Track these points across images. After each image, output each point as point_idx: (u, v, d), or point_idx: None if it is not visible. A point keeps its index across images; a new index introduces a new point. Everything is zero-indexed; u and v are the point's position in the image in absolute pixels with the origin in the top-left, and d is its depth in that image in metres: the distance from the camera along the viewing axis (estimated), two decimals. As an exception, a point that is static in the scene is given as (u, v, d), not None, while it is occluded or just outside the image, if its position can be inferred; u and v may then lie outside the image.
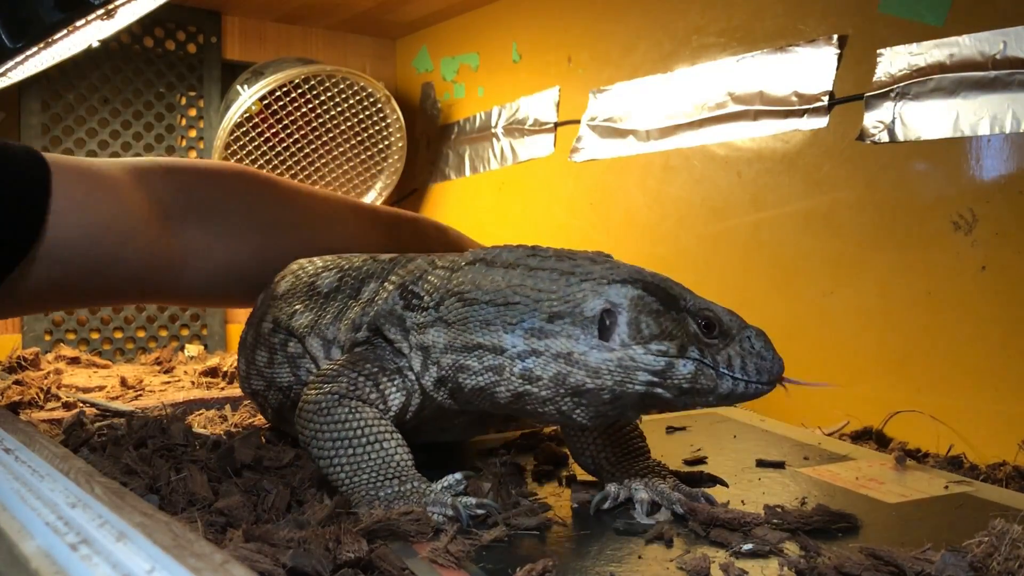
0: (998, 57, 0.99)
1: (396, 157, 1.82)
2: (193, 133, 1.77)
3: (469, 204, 1.84)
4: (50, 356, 1.50)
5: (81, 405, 1.14)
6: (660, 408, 0.72)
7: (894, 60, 1.09)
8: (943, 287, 1.05)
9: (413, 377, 0.77)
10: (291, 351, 0.89)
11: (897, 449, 1.00)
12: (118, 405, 1.15)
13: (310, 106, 1.71)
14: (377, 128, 1.79)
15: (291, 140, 1.72)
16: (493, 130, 1.76)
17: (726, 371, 0.67)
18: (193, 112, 1.77)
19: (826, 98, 1.16)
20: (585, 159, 1.54)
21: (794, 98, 1.20)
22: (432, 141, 1.93)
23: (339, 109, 1.73)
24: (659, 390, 0.67)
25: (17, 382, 1.25)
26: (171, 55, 1.74)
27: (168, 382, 1.36)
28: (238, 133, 1.65)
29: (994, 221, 1.01)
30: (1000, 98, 0.99)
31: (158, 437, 0.91)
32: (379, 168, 1.84)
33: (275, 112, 1.68)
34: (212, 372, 1.37)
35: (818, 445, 1.00)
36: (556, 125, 1.61)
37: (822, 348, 1.17)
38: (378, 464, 0.72)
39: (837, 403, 1.14)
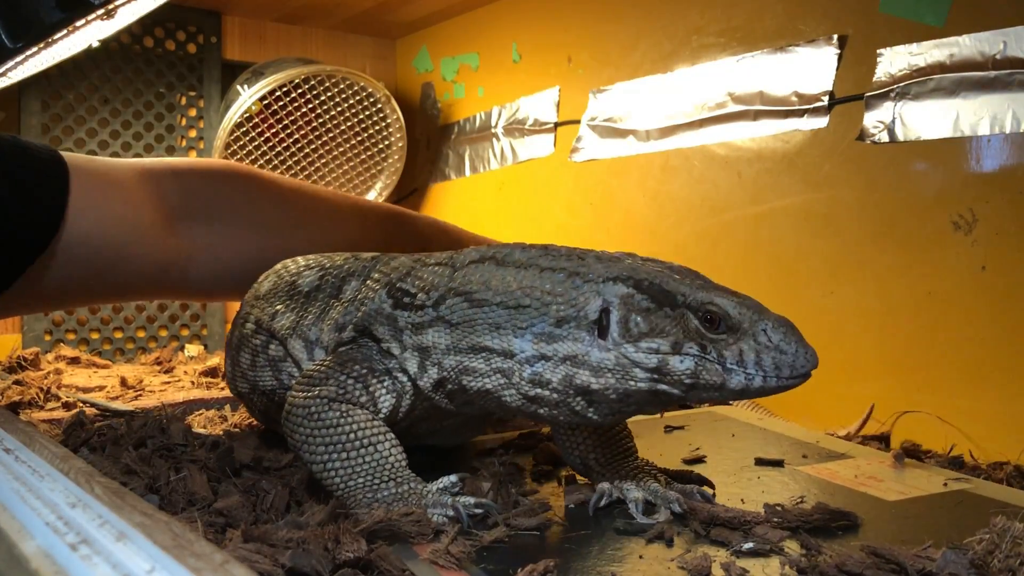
0: (998, 57, 0.99)
1: (396, 157, 1.82)
2: (193, 133, 1.77)
3: (469, 204, 1.84)
4: (50, 356, 1.50)
5: (81, 405, 1.14)
6: (677, 402, 0.71)
7: (894, 60, 1.09)
8: (943, 287, 1.05)
9: (405, 379, 0.75)
10: (272, 354, 0.88)
11: (899, 447, 1.00)
12: (118, 405, 1.15)
13: (310, 106, 1.71)
14: (377, 128, 1.79)
15: (291, 140, 1.72)
16: (493, 130, 1.76)
17: (735, 366, 0.65)
18: (193, 112, 1.77)
19: (826, 98, 1.16)
20: (585, 159, 1.54)
21: (794, 98, 1.20)
22: (432, 141, 1.93)
23: (339, 109, 1.73)
24: (663, 387, 0.66)
25: (17, 382, 1.25)
26: (171, 55, 1.74)
27: (168, 382, 1.36)
28: (238, 133, 1.65)
29: (994, 221, 1.01)
30: (1000, 98, 0.99)
31: (157, 437, 0.91)
32: (379, 168, 1.84)
33: (275, 112, 1.68)
34: (212, 372, 1.37)
35: (816, 443, 1.00)
36: (556, 125, 1.61)
37: (822, 348, 1.16)
38: (373, 467, 0.71)
39: (837, 402, 1.14)
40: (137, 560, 0.44)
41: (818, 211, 1.19)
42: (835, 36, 1.16)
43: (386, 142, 1.81)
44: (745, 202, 1.28)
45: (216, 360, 1.46)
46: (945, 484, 0.84)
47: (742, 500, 0.77)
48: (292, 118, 1.71)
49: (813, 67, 1.18)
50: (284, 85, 1.64)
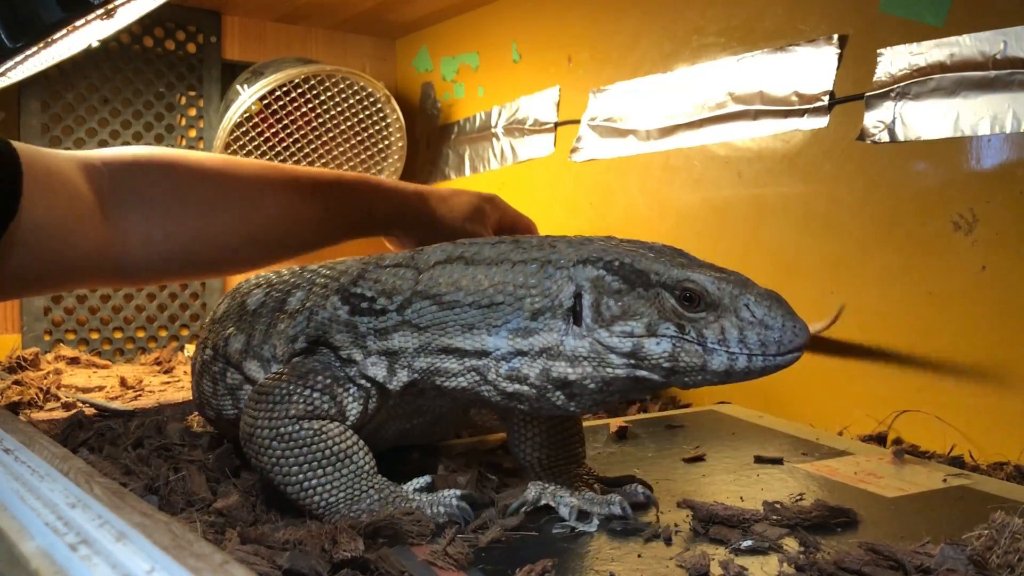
0: (998, 57, 0.99)
1: (396, 157, 1.82)
2: (193, 133, 1.77)
3: (469, 204, 1.84)
4: (50, 356, 1.50)
5: (80, 405, 1.14)
6: (659, 388, 0.69)
7: (894, 60, 1.09)
8: (943, 287, 1.05)
9: (368, 384, 0.73)
10: (230, 382, 0.84)
11: (900, 446, 1.00)
12: (117, 405, 1.15)
13: (310, 106, 1.71)
14: (377, 128, 1.79)
15: (291, 140, 1.72)
16: (493, 130, 1.76)
17: (716, 345, 0.61)
18: (193, 112, 1.77)
19: (826, 98, 1.16)
20: (585, 159, 1.54)
21: (794, 98, 1.20)
22: (432, 141, 1.93)
23: (339, 109, 1.73)
24: (642, 372, 0.63)
25: (17, 382, 1.25)
26: (171, 55, 1.74)
27: (168, 382, 1.36)
28: (238, 133, 1.65)
29: (994, 221, 1.01)
30: (1000, 98, 0.99)
31: (156, 437, 0.91)
32: (379, 168, 1.84)
33: (275, 112, 1.68)
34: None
35: (816, 441, 1.00)
36: (556, 125, 1.61)
37: (822, 348, 1.17)
38: (351, 479, 0.70)
39: (837, 401, 1.14)
40: (137, 560, 0.44)
41: (818, 211, 1.19)
42: (835, 36, 1.16)
43: (386, 142, 1.81)
44: (745, 202, 1.28)
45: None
46: (945, 480, 0.84)
47: (741, 498, 0.77)
48: (292, 118, 1.71)
49: (813, 67, 1.18)
50: (284, 85, 1.64)
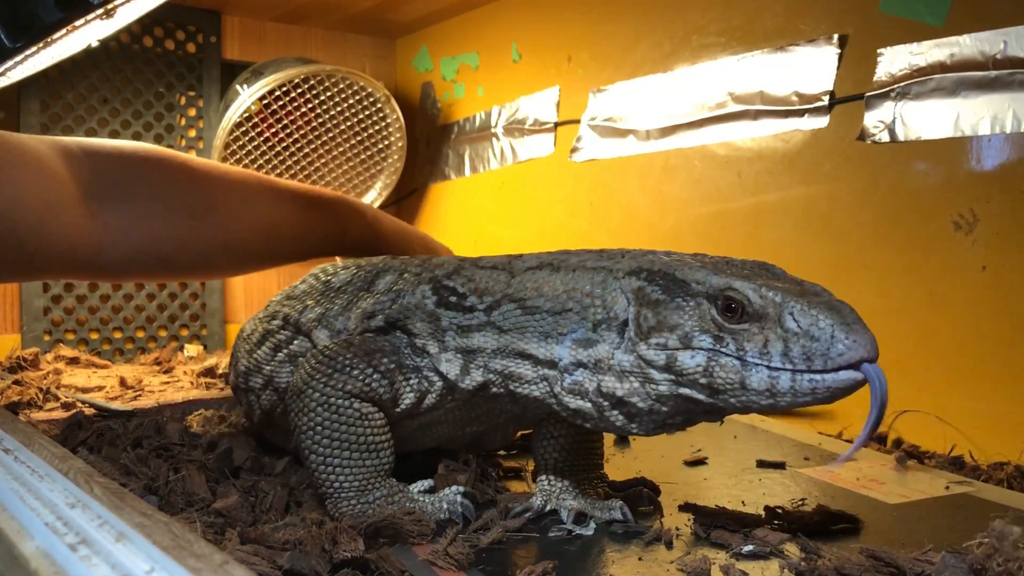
0: (998, 57, 0.99)
1: (396, 157, 1.82)
2: (192, 133, 1.77)
3: (469, 204, 1.84)
4: (49, 356, 1.50)
5: (80, 405, 1.14)
6: (716, 410, 0.61)
7: (894, 60, 1.09)
8: (943, 287, 1.05)
9: (435, 378, 0.73)
10: (295, 349, 0.84)
11: (899, 450, 1.00)
12: (117, 405, 1.15)
13: (310, 106, 1.70)
14: (377, 128, 1.79)
15: (291, 140, 1.72)
16: (493, 130, 1.76)
17: (757, 359, 0.56)
18: (192, 112, 1.77)
19: (826, 98, 1.16)
20: (585, 159, 1.53)
21: (794, 98, 1.20)
22: (432, 141, 1.93)
23: (339, 109, 1.73)
24: (685, 389, 0.60)
25: (17, 382, 1.25)
26: (170, 55, 1.74)
27: (167, 382, 1.36)
28: (237, 133, 1.64)
29: (995, 221, 1.00)
30: (1001, 98, 0.99)
31: (155, 437, 0.91)
32: (379, 168, 1.83)
33: (275, 112, 1.68)
34: (211, 372, 1.37)
35: (818, 445, 0.99)
36: (556, 125, 1.61)
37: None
38: (371, 471, 0.71)
39: (836, 403, 1.13)
40: (136, 560, 0.44)
41: (818, 211, 1.19)
42: (835, 36, 1.16)
43: (386, 142, 1.81)
44: (745, 202, 1.28)
45: (215, 360, 1.45)
46: (947, 487, 0.84)
47: (743, 502, 0.77)
48: (292, 118, 1.71)
49: (813, 67, 1.18)
50: (284, 85, 1.63)
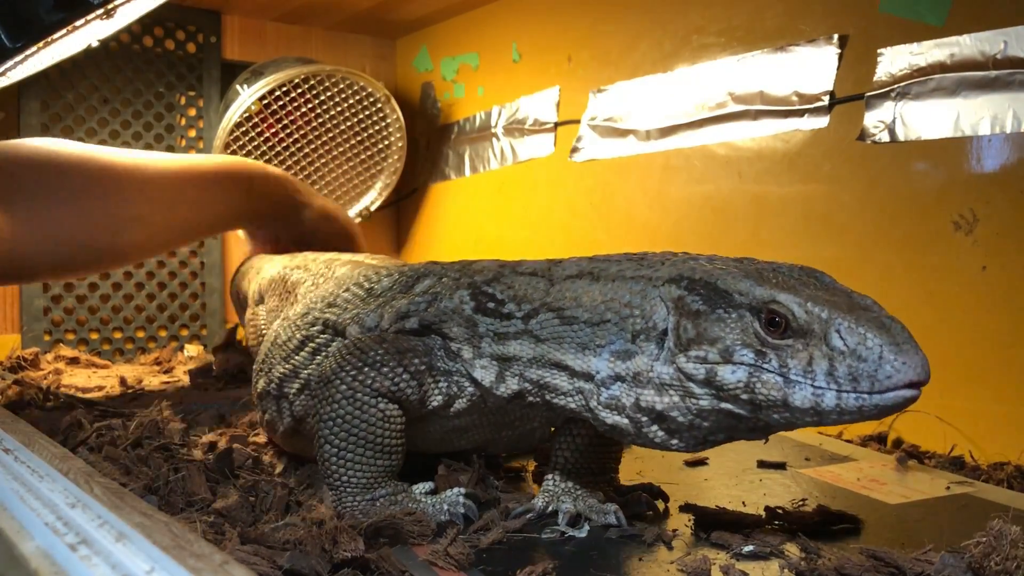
0: (999, 57, 0.99)
1: (396, 157, 1.82)
2: (192, 133, 1.77)
3: (469, 204, 1.84)
4: (50, 356, 1.50)
5: (80, 405, 1.14)
6: (760, 426, 0.60)
7: (895, 60, 1.09)
8: (943, 287, 1.05)
9: (467, 383, 0.72)
10: (332, 350, 0.82)
11: (900, 450, 1.00)
12: (117, 405, 1.15)
13: (310, 106, 1.70)
14: (377, 128, 1.79)
15: (291, 140, 1.72)
16: (493, 130, 1.76)
17: (800, 377, 0.54)
18: (192, 112, 1.77)
19: (827, 98, 1.16)
20: (585, 159, 1.53)
21: (795, 98, 1.20)
22: (432, 141, 1.93)
23: (339, 109, 1.73)
24: (727, 404, 0.58)
25: (17, 382, 1.25)
26: (171, 55, 1.74)
27: (168, 382, 1.36)
28: (238, 133, 1.64)
29: (995, 221, 1.00)
30: (1001, 98, 0.99)
31: (156, 437, 0.90)
32: (379, 168, 1.83)
33: (275, 112, 1.68)
34: (208, 372, 1.36)
35: (819, 446, 0.99)
36: (556, 125, 1.61)
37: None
38: (380, 470, 0.71)
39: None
40: (136, 560, 0.44)
41: (818, 211, 1.19)
42: (835, 36, 1.16)
43: (386, 142, 1.81)
44: (745, 202, 1.28)
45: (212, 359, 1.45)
46: (948, 488, 0.84)
47: (743, 503, 0.77)
48: (292, 118, 1.71)
49: (813, 67, 1.18)
50: (284, 85, 1.63)
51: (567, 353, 0.66)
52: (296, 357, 0.86)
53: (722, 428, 0.60)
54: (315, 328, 0.86)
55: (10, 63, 0.90)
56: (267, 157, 1.70)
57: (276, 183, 1.31)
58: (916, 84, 1.07)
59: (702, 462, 0.92)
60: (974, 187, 1.02)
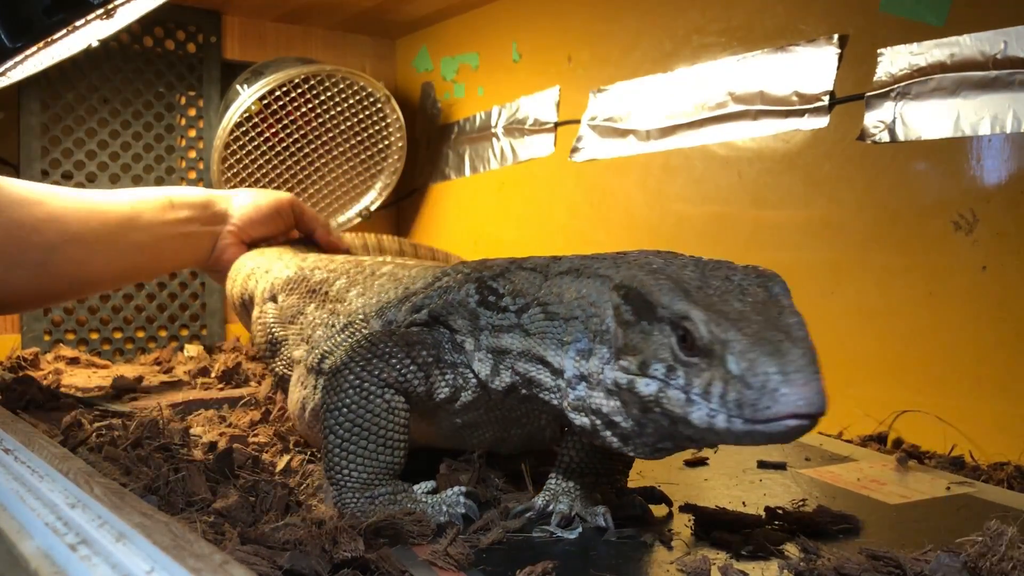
0: (999, 57, 0.99)
1: (396, 157, 1.82)
2: (192, 133, 1.77)
3: (469, 204, 1.84)
4: (50, 356, 1.50)
5: (80, 405, 1.14)
6: (694, 440, 0.59)
7: (895, 60, 1.09)
8: (943, 287, 1.05)
9: (471, 375, 0.73)
10: (343, 344, 0.85)
11: (900, 450, 1.00)
12: (117, 406, 1.15)
13: (310, 106, 1.70)
14: (377, 128, 1.79)
15: (291, 140, 1.72)
16: (493, 130, 1.76)
17: (698, 397, 0.54)
18: (193, 112, 1.77)
19: (827, 98, 1.16)
20: (585, 159, 1.53)
21: (795, 98, 1.20)
22: (432, 141, 1.93)
23: (339, 109, 1.73)
24: (652, 415, 0.58)
25: (17, 382, 1.25)
26: (171, 55, 1.74)
27: (168, 382, 1.36)
28: (237, 133, 1.64)
29: (995, 221, 1.00)
30: (1001, 98, 0.99)
31: (156, 437, 0.90)
32: (379, 168, 1.83)
33: (275, 112, 1.68)
34: (206, 372, 1.36)
35: (819, 446, 0.99)
36: (556, 125, 1.61)
37: (822, 348, 1.16)
38: (383, 466, 0.71)
39: (837, 403, 1.13)
40: (136, 561, 0.44)
41: (818, 211, 1.19)
42: (836, 36, 1.16)
43: (386, 142, 1.81)
44: (745, 202, 1.28)
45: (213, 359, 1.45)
46: (948, 488, 0.84)
47: (744, 503, 0.77)
48: (292, 118, 1.71)
49: (813, 67, 1.18)
50: (284, 85, 1.63)
51: (548, 349, 0.66)
52: (339, 337, 0.88)
53: (664, 437, 0.59)
54: (359, 315, 0.88)
55: (10, 63, 0.90)
56: (267, 157, 1.70)
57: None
58: (916, 84, 1.07)
59: (702, 462, 0.92)
60: (974, 187, 1.02)
